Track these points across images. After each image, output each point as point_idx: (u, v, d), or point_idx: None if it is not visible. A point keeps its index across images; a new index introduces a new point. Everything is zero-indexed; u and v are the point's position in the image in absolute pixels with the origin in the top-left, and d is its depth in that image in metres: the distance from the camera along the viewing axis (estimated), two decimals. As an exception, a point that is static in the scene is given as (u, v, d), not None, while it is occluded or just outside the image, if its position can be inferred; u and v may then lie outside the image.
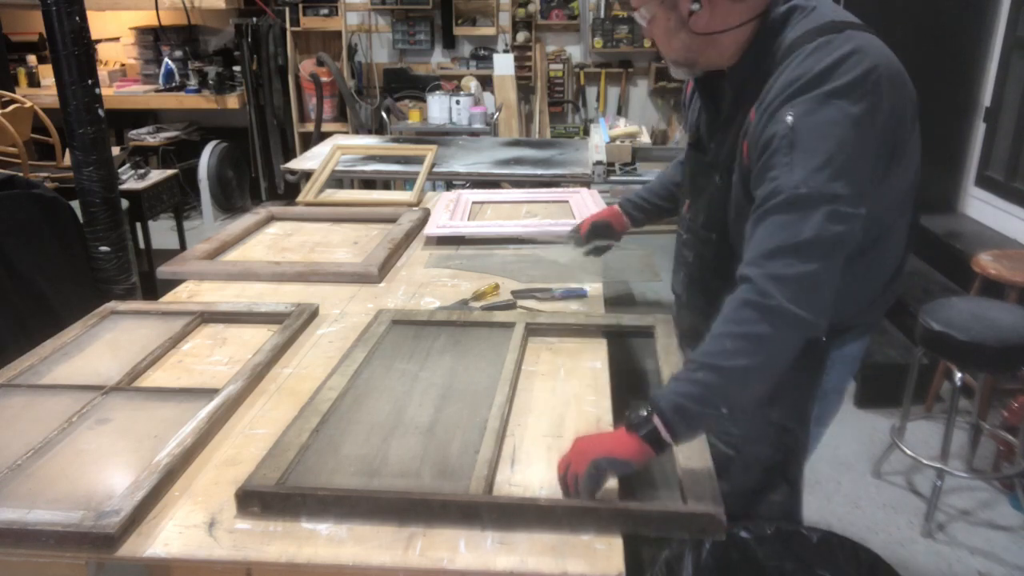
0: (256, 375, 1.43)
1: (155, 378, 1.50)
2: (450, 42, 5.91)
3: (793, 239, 1.09)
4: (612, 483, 1.12)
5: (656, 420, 1.07)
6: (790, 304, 1.07)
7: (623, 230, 1.84)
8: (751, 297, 1.10)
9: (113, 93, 5.62)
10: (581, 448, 1.09)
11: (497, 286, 1.86)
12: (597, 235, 1.82)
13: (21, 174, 3.00)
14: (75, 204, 2.65)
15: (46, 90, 5.50)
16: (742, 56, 1.25)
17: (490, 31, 5.77)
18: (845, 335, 1.39)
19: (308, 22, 5.51)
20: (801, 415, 1.42)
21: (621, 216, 1.84)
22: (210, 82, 5.65)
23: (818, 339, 1.23)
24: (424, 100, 5.32)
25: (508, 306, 1.78)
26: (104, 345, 1.62)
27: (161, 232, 4.53)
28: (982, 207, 3.76)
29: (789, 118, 1.11)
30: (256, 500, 1.07)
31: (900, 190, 1.26)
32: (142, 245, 3.89)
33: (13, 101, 3.55)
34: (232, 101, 5.67)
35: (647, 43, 5.72)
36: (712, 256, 1.42)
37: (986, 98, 3.77)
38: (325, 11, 5.50)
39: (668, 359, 1.50)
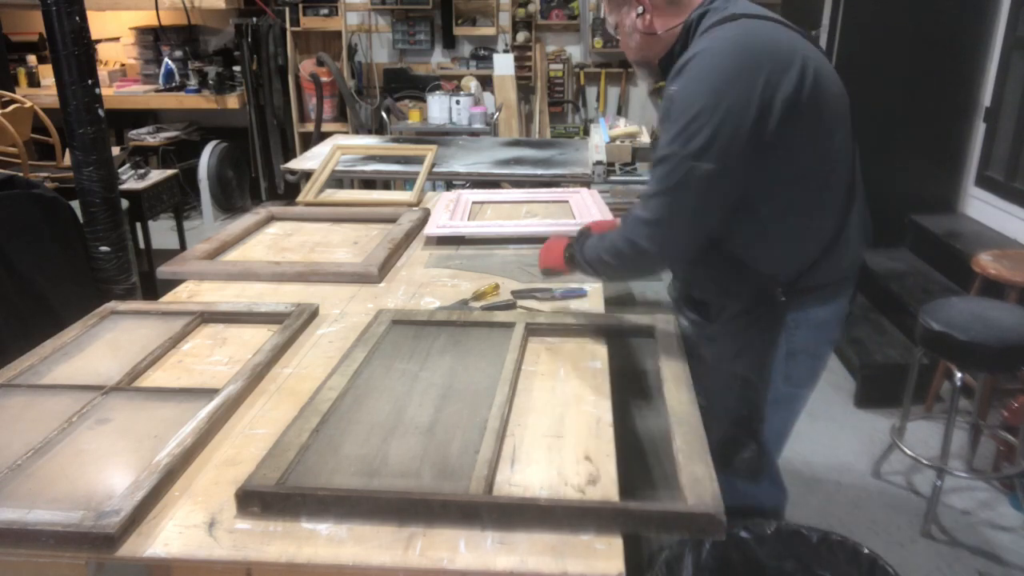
0: (256, 375, 1.43)
1: (155, 378, 1.50)
2: (450, 42, 5.91)
3: (651, 188, 1.39)
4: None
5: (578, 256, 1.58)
6: (640, 240, 1.41)
7: None
8: (624, 230, 1.45)
9: (113, 93, 5.63)
10: (543, 251, 1.72)
11: (497, 286, 1.86)
12: None
13: (21, 174, 3.00)
14: (75, 204, 2.65)
15: (46, 90, 5.50)
16: (670, 49, 1.49)
17: (490, 31, 5.77)
18: (804, 297, 1.48)
19: (308, 22, 5.52)
20: (761, 370, 1.52)
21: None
22: (210, 82, 5.65)
23: (775, 298, 1.47)
24: (424, 100, 5.32)
25: (508, 306, 1.78)
26: (104, 345, 1.62)
27: (161, 232, 4.53)
28: (982, 207, 3.76)
29: (673, 88, 1.37)
30: (256, 500, 1.07)
31: (806, 159, 1.38)
32: (142, 245, 3.89)
33: (13, 101, 3.55)
34: (232, 101, 5.67)
35: (647, 43, 5.72)
36: None
37: (986, 98, 3.76)
38: (325, 11, 5.50)
39: (668, 359, 1.50)
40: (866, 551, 1.51)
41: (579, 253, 1.58)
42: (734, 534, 1.53)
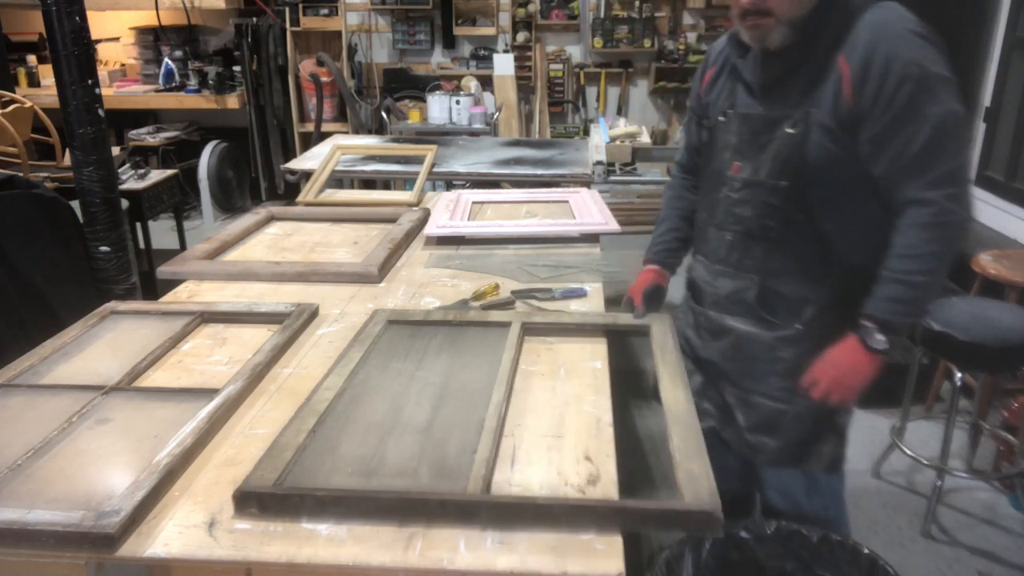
0: (256, 375, 1.43)
1: (155, 378, 1.50)
2: (450, 42, 5.91)
3: (952, 157, 1.37)
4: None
5: (881, 336, 1.43)
6: (967, 214, 1.39)
7: (667, 283, 1.86)
8: (938, 218, 1.38)
9: (113, 93, 5.63)
10: (835, 378, 1.47)
11: (497, 286, 1.86)
12: (653, 301, 1.76)
13: (21, 174, 3.00)
14: (75, 204, 2.65)
15: (46, 90, 5.50)
16: (813, 9, 1.42)
17: (490, 31, 5.77)
18: None
19: (308, 22, 5.52)
20: None
21: (664, 273, 1.84)
22: (210, 82, 5.65)
23: (860, 291, 1.46)
24: (424, 100, 5.32)
25: (508, 306, 1.78)
26: (104, 345, 1.62)
27: (161, 232, 4.53)
28: (982, 207, 3.76)
29: (915, 68, 1.35)
30: (254, 501, 1.07)
31: None
32: (142, 245, 3.90)
33: (13, 101, 3.56)
34: (232, 101, 5.67)
35: (647, 43, 5.73)
36: (780, 203, 1.50)
37: (986, 98, 3.76)
38: (325, 11, 5.50)
39: (664, 358, 1.50)
40: (866, 551, 1.51)
41: (898, 320, 1.44)
42: (734, 534, 1.54)
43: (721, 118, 1.60)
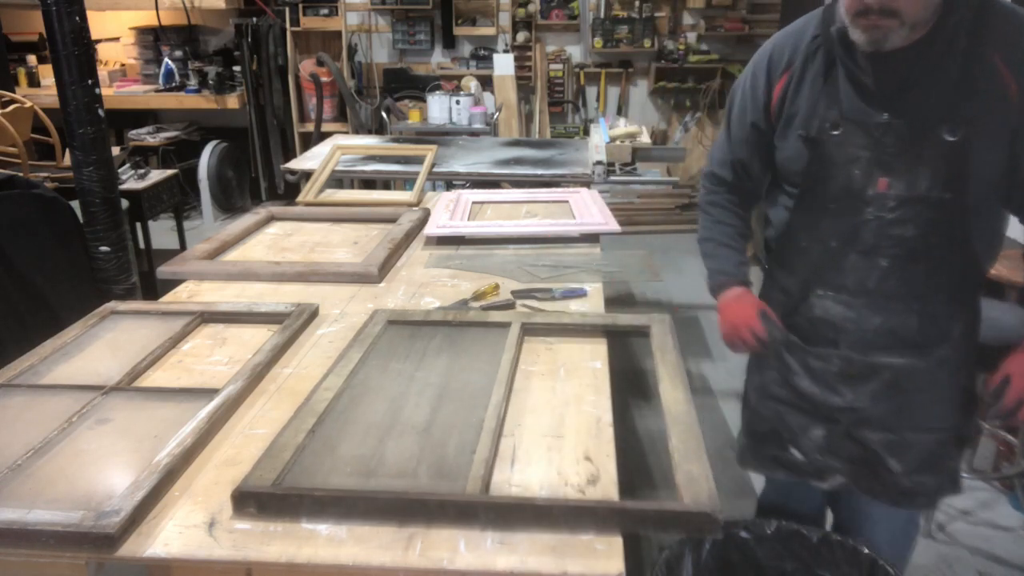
0: (256, 375, 1.43)
1: (155, 378, 1.50)
2: (450, 42, 5.91)
3: None
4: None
5: None
6: None
7: None
8: None
9: (113, 93, 5.63)
10: None
11: (497, 286, 1.86)
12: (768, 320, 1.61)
13: (21, 174, 3.00)
14: (75, 204, 2.66)
15: (46, 90, 5.51)
16: (945, 10, 1.31)
17: (490, 31, 5.77)
18: None
19: (308, 22, 5.52)
20: (975, 378, 1.55)
21: (750, 292, 1.67)
22: (210, 82, 5.65)
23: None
24: (424, 100, 5.32)
25: (508, 306, 1.78)
26: (104, 345, 1.62)
27: (161, 232, 4.53)
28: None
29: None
30: (252, 501, 1.07)
31: None
32: (142, 245, 3.90)
33: (13, 101, 3.56)
34: (232, 101, 5.67)
35: (647, 43, 5.73)
36: (943, 218, 1.40)
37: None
38: (325, 11, 5.50)
39: (664, 358, 1.49)
40: (866, 551, 1.51)
41: None
42: (734, 534, 1.53)
43: (835, 132, 1.43)
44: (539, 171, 3.41)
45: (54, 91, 2.50)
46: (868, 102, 1.40)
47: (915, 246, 1.42)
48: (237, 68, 5.76)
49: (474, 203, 2.61)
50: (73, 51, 2.40)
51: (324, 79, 5.39)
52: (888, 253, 1.44)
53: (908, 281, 1.44)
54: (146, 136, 5.60)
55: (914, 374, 1.48)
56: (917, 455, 1.50)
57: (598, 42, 5.78)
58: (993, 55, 1.31)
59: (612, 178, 3.37)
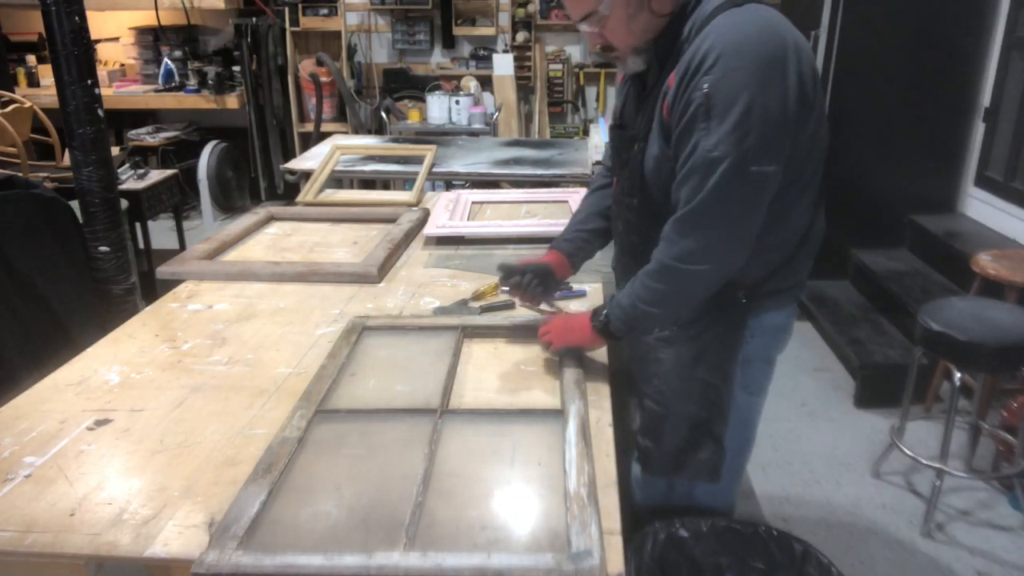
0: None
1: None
2: (450, 42, 5.91)
3: (702, 202, 1.25)
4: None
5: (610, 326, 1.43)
6: (689, 264, 1.29)
7: (564, 278, 1.71)
8: (659, 259, 1.32)
9: (113, 93, 5.62)
10: (559, 330, 1.50)
11: (496, 286, 1.86)
12: (542, 279, 1.64)
13: (21, 174, 2.99)
14: (75, 204, 2.65)
15: (46, 90, 5.50)
16: (664, 29, 1.34)
17: (490, 31, 5.77)
18: (763, 302, 1.42)
19: (308, 22, 5.52)
20: (725, 374, 1.46)
21: (566, 263, 1.70)
22: (209, 82, 5.65)
23: (738, 299, 1.40)
24: (424, 100, 5.32)
25: (507, 306, 1.78)
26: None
27: (161, 232, 4.53)
28: (981, 207, 3.76)
29: (705, 86, 1.21)
30: None
31: (805, 152, 1.31)
32: (142, 245, 3.89)
33: (13, 101, 3.55)
34: (232, 101, 5.67)
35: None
36: (636, 219, 1.47)
37: (985, 98, 3.76)
38: (325, 11, 5.50)
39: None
40: (799, 541, 1.50)
41: (615, 318, 1.41)
42: (673, 533, 1.52)
43: None
44: (539, 171, 3.41)
45: (53, 91, 2.50)
46: (628, 109, 1.50)
47: (623, 242, 1.56)
48: (237, 68, 5.75)
49: (473, 203, 2.61)
50: (73, 51, 2.39)
51: (324, 79, 5.39)
52: (616, 246, 1.62)
53: (631, 265, 1.47)
54: (145, 136, 5.60)
55: (639, 340, 1.54)
56: (646, 418, 1.57)
57: (598, 42, 5.78)
58: (671, 74, 1.30)
59: (612, 178, 3.36)
